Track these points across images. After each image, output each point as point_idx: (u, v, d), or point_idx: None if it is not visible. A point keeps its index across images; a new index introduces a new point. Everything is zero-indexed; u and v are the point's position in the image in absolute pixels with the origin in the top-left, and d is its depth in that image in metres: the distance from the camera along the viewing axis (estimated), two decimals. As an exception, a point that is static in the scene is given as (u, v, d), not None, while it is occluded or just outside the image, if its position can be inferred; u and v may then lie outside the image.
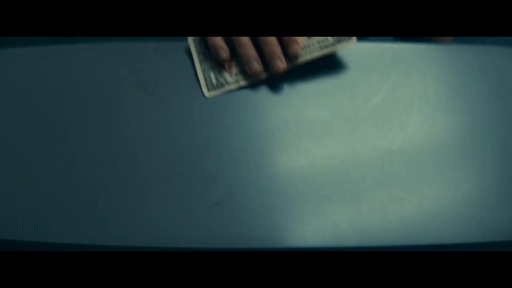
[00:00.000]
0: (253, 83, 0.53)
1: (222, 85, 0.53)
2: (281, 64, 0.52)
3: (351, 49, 0.57)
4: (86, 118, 0.53)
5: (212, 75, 0.53)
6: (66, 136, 0.52)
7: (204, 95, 0.53)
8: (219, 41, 0.53)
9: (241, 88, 0.53)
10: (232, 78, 0.53)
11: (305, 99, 0.53)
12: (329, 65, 0.55)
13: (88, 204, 0.48)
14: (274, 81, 0.54)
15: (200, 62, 0.54)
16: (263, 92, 0.54)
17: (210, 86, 0.53)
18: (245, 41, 0.53)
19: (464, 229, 0.47)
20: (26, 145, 0.51)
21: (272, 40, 0.52)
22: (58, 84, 0.54)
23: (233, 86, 0.53)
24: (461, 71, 0.55)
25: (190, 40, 0.55)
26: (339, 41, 0.53)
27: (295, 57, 0.53)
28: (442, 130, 0.52)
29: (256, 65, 0.52)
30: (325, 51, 0.53)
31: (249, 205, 0.49)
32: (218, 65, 0.54)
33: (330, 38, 0.53)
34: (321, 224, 0.48)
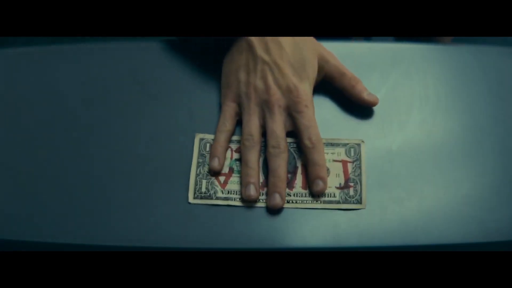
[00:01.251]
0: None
1: (210, 197, 0.48)
2: (280, 201, 0.48)
3: (351, 49, 0.57)
4: (85, 118, 0.53)
5: (204, 183, 0.49)
6: (66, 136, 0.52)
7: (188, 200, 0.49)
8: (219, 150, 0.50)
9: (229, 206, 0.48)
10: (222, 194, 0.48)
11: (305, 99, 0.53)
12: (329, 65, 0.55)
13: (88, 204, 0.48)
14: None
15: (197, 164, 0.50)
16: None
17: (197, 193, 0.48)
18: (252, 161, 0.49)
19: (464, 229, 0.47)
20: (26, 145, 0.51)
21: (281, 173, 0.48)
22: (58, 84, 0.54)
23: (221, 202, 0.48)
24: (461, 71, 0.55)
25: (197, 138, 0.51)
26: (345, 201, 0.48)
27: (318, 195, 0.49)
28: (442, 130, 0.52)
29: (253, 192, 0.48)
30: (326, 206, 0.48)
31: (249, 205, 0.49)
32: (214, 174, 0.50)
33: (337, 195, 0.48)
34: (321, 224, 0.48)
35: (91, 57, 0.56)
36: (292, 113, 0.50)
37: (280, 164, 0.49)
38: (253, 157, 0.49)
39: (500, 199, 0.49)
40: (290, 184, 0.49)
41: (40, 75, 0.55)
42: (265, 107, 0.50)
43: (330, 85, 0.54)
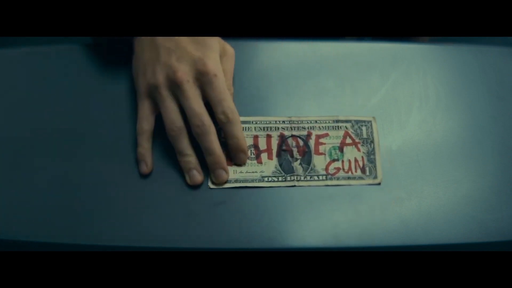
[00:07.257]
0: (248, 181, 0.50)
1: (229, 181, 0.50)
2: (226, 175, 0.49)
3: (351, 49, 0.57)
4: (85, 118, 0.53)
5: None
6: (65, 136, 0.52)
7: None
8: (144, 153, 0.50)
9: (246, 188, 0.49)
10: (240, 177, 0.50)
11: (305, 99, 0.53)
12: (329, 65, 0.55)
13: (88, 204, 0.48)
14: (274, 81, 0.54)
15: None
16: (264, 93, 0.54)
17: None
18: (184, 148, 0.49)
19: (464, 229, 0.47)
20: (25, 145, 0.51)
21: (216, 150, 0.49)
22: (58, 84, 0.54)
23: (239, 184, 0.49)
24: (461, 71, 0.55)
25: None
26: (361, 178, 0.50)
27: (241, 165, 0.50)
28: (442, 130, 0.52)
29: (198, 177, 0.49)
30: (341, 183, 0.49)
31: (249, 205, 0.49)
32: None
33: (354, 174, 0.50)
34: (321, 224, 0.48)
35: (90, 57, 0.56)
36: (202, 86, 0.49)
37: (211, 140, 0.49)
38: (184, 144, 0.49)
39: (500, 199, 0.49)
40: (306, 161, 0.50)
41: (40, 75, 0.55)
42: (175, 88, 0.49)
43: (328, 84, 0.54)
